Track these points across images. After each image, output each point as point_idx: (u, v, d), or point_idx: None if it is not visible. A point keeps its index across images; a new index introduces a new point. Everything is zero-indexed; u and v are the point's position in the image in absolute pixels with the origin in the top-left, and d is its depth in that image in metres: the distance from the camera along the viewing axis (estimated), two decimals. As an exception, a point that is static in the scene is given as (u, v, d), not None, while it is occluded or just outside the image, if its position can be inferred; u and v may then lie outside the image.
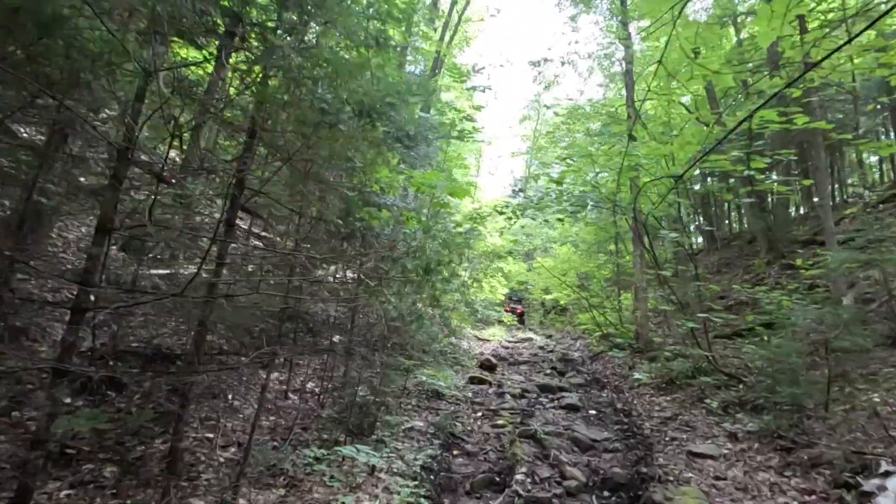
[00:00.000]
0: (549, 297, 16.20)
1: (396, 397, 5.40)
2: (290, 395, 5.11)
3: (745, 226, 19.29)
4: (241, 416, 4.19)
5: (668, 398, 6.47)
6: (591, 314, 12.27)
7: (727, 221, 21.08)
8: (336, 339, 6.88)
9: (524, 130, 36.47)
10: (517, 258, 17.53)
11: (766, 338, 6.79)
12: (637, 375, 7.60)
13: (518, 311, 17.76)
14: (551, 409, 6.30)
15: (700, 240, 20.46)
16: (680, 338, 9.57)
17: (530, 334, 15.97)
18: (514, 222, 7.29)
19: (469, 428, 5.23)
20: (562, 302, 15.82)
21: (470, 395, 6.74)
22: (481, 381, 7.78)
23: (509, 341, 14.29)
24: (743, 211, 20.42)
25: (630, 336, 10.63)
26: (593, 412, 6.17)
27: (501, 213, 5.99)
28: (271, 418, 4.27)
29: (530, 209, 6.39)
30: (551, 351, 12.51)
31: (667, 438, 4.81)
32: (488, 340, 14.23)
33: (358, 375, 4.88)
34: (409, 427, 4.71)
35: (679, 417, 5.48)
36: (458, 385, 7.21)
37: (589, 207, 9.47)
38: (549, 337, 15.79)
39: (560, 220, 7.87)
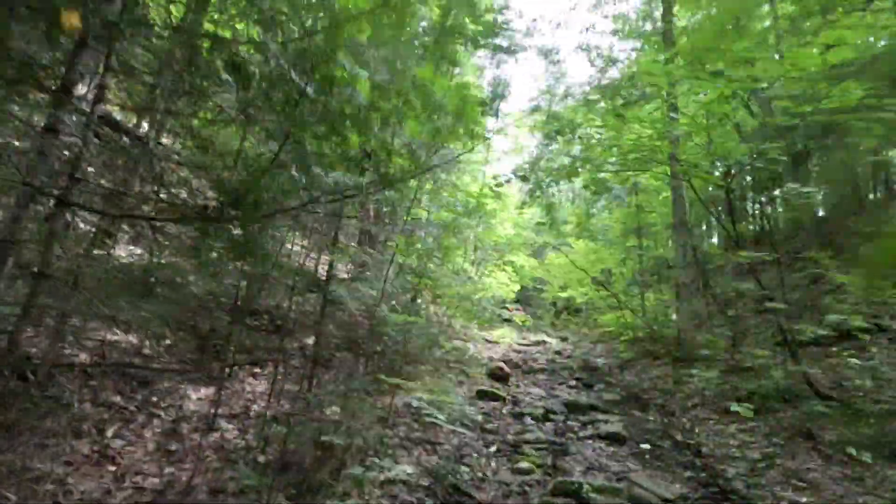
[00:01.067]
0: (563, 295, 14.61)
1: (374, 426, 3.84)
2: (223, 421, 3.57)
3: (767, 223, 17.59)
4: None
5: (742, 427, 4.87)
6: (619, 315, 10.66)
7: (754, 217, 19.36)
8: (311, 340, 5.36)
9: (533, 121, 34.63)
10: (528, 253, 15.91)
11: (872, 348, 5.18)
12: (700, 390, 6.01)
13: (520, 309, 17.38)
14: (588, 442, 4.71)
15: (714, 239, 18.82)
16: (730, 344, 7.97)
17: (543, 336, 14.36)
18: (535, 199, 5.84)
19: (480, 474, 3.66)
20: (577, 301, 14.22)
21: (480, 417, 5.16)
22: (493, 397, 6.21)
23: (521, 344, 12.70)
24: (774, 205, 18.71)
25: (663, 340, 9.03)
26: (646, 446, 4.58)
27: (524, 180, 4.54)
28: (167, 470, 2.72)
29: (553, 178, 4.88)
30: (569, 356, 10.92)
31: (776, 502, 3.22)
32: (497, 343, 12.66)
33: (318, 400, 3.35)
34: (390, 478, 3.15)
35: (777, 461, 3.88)
36: (463, 402, 5.65)
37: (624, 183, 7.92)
38: (565, 340, 14.18)
39: (594, 191, 6.40)
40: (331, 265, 4.54)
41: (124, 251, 4.59)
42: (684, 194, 8.37)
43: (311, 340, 5.34)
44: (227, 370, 4.41)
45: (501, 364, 8.14)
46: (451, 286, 9.94)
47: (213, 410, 3.50)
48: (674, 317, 11.45)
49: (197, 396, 3.83)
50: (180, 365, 3.80)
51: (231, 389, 4.36)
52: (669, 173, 8.04)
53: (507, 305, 16.60)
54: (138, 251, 4.65)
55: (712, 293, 9.24)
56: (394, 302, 6.08)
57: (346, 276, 6.41)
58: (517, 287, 13.24)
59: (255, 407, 3.93)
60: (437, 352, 6.26)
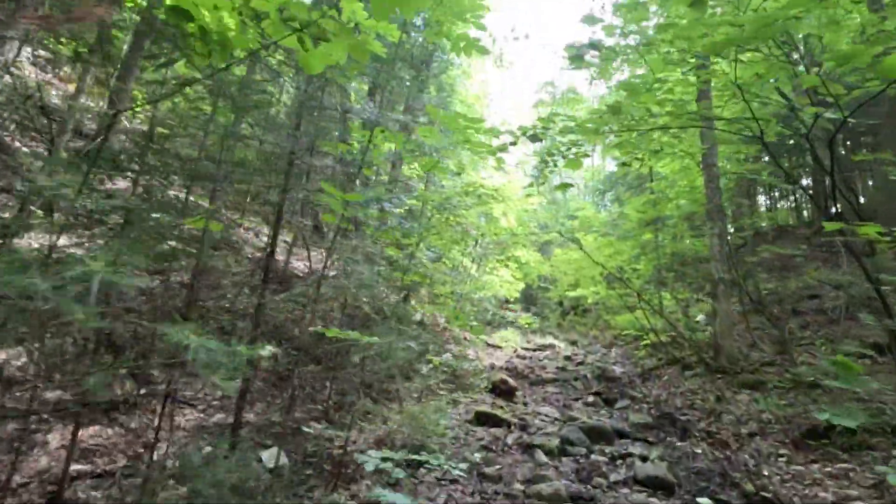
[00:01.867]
0: (572, 294, 13.37)
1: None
2: (80, 487, 2.36)
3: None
4: None
5: (830, 469, 3.63)
6: (637, 315, 9.41)
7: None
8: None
9: (538, 115, 33.63)
10: (534, 249, 14.64)
11: None
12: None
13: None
14: (624, 491, 3.48)
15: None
16: (778, 351, 6.72)
17: (550, 339, 13.12)
18: (545, 173, 4.67)
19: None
20: (588, 300, 12.99)
21: (477, 455, 3.93)
22: (495, 421, 4.98)
23: (526, 349, 11.47)
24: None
25: (694, 345, 7.78)
26: (705, 501, 3.34)
27: (534, 139, 3.39)
28: None
29: (576, 134, 3.68)
30: (582, 363, 9.67)
31: None
32: (500, 347, 11.43)
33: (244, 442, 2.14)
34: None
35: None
36: (457, 431, 4.43)
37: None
38: (574, 343, 12.93)
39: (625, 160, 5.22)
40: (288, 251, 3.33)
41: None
42: (718, 174, 7.12)
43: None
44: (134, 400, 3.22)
45: (505, 376, 6.90)
46: (447, 284, 8.72)
47: (65, 468, 2.29)
48: (699, 317, 10.21)
49: (61, 444, 2.62)
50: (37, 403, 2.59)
51: (142, 425, 3.16)
52: (702, 146, 6.81)
53: (511, 306, 15.40)
54: None
55: (749, 292, 8.00)
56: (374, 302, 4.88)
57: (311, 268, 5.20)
58: (521, 285, 11.99)
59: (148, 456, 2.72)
60: (425, 367, 5.04)
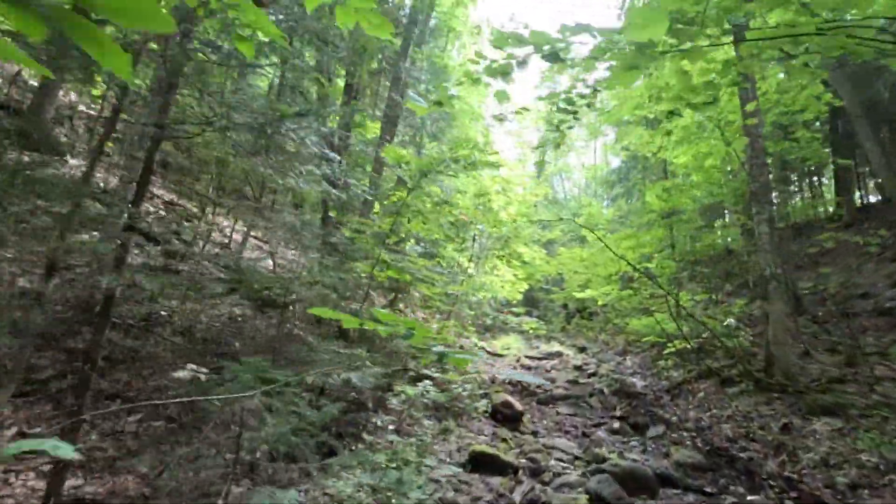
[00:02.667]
0: (580, 295, 12.14)
1: None
2: None
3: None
4: None
5: None
6: (658, 319, 8.16)
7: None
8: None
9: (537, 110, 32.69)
10: (539, 245, 13.40)
11: None
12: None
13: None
14: None
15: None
16: (844, 363, 5.48)
17: (556, 346, 11.86)
18: (564, 135, 3.57)
19: None
20: (599, 302, 11.75)
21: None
22: (496, 465, 3.73)
23: (531, 357, 10.22)
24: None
25: (735, 355, 6.54)
26: None
27: (554, 59, 2.32)
28: None
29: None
30: (595, 373, 8.42)
31: None
32: (502, 356, 10.18)
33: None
34: None
35: None
36: (443, 488, 3.17)
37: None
38: (583, 350, 11.67)
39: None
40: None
41: None
42: (763, 146, 5.89)
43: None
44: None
45: (508, 397, 5.64)
46: (440, 283, 7.47)
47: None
48: (729, 321, 8.97)
49: None
50: None
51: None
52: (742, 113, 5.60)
53: (513, 309, 14.15)
54: None
55: (794, 291, 6.79)
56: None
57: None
58: (524, 286, 10.73)
59: None
60: (394, 400, 3.77)
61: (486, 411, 5.19)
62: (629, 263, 6.87)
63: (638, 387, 7.14)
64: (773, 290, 5.46)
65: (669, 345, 7.68)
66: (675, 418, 5.44)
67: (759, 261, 5.68)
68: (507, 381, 7.40)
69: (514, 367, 8.93)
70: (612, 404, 6.46)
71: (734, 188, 9.46)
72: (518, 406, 5.42)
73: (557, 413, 5.94)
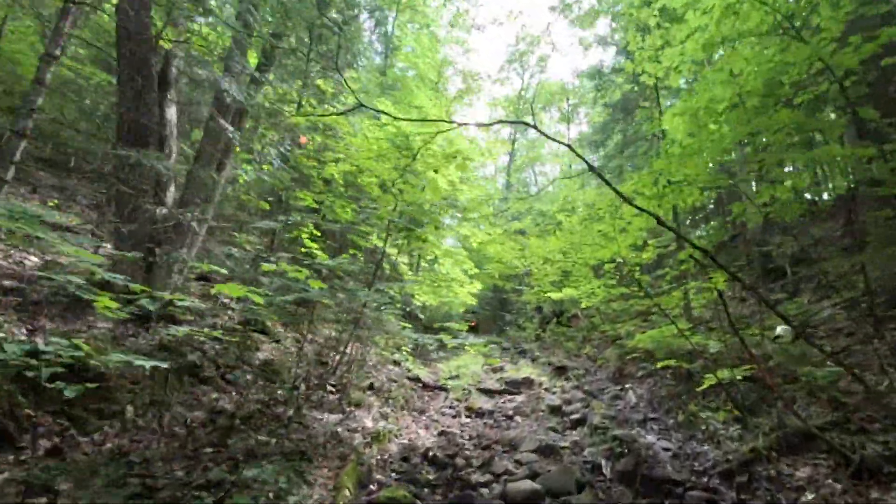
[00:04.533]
0: (557, 296, 9.01)
1: None
2: None
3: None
4: None
5: None
6: (672, 331, 5.01)
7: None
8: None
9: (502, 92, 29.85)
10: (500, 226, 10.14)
11: None
12: None
13: (472, 322, 14.49)
14: None
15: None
16: None
17: (525, 366, 8.64)
18: None
19: None
20: (583, 304, 8.65)
21: None
22: None
23: (489, 390, 6.96)
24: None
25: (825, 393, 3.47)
26: None
27: None
28: None
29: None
30: (581, 422, 5.24)
31: None
32: (446, 389, 6.90)
33: None
34: None
35: None
36: None
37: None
38: (562, 372, 8.48)
39: None
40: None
41: None
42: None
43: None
44: None
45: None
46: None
47: None
48: (778, 330, 5.92)
49: None
50: None
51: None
52: None
53: (449, 323, 10.82)
54: None
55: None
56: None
57: None
58: (475, 287, 7.47)
59: None
60: None
61: None
62: (653, 216, 3.63)
63: (664, 460, 3.94)
64: None
65: (708, 376, 4.51)
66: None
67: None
68: (430, 451, 4.11)
69: (455, 415, 5.65)
70: (623, 511, 3.26)
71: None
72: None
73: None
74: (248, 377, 4.38)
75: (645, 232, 5.24)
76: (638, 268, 5.38)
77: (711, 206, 12.39)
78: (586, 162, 3.70)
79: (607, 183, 3.45)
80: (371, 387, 5.54)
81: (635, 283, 5.08)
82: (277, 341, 5.24)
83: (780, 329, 5.86)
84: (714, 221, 11.64)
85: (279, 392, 4.38)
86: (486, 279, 13.42)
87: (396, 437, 4.47)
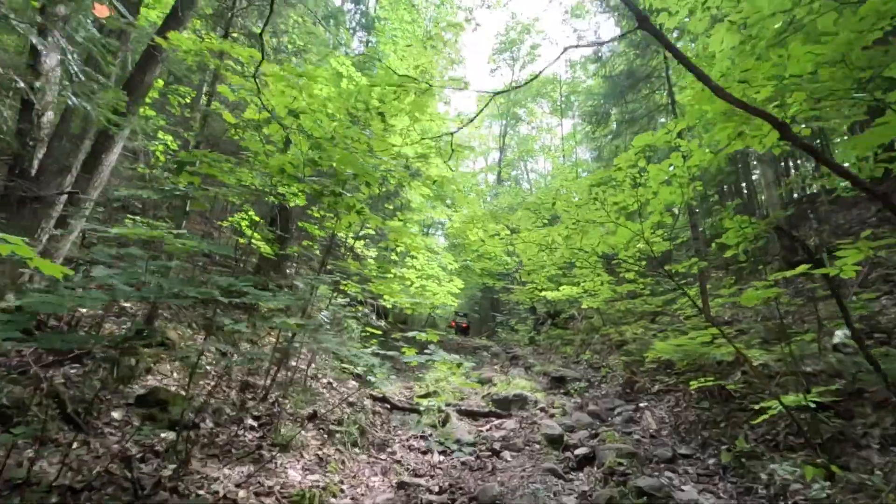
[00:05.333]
0: (553, 295, 7.74)
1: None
2: None
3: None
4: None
5: None
6: (712, 342, 3.76)
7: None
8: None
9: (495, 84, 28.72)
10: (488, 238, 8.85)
11: None
12: None
13: (464, 325, 13.96)
14: None
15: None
16: None
17: (518, 379, 7.34)
18: None
19: None
20: (583, 304, 7.37)
21: None
22: None
23: (471, 413, 5.65)
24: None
25: None
26: None
27: None
28: None
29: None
30: (590, 459, 3.97)
31: None
32: (416, 412, 5.57)
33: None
34: None
35: None
36: None
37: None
38: (560, 385, 7.20)
39: None
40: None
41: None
42: None
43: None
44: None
45: None
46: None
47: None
48: (838, 336, 4.67)
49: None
50: None
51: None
52: None
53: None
54: None
55: None
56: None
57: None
58: (455, 287, 6.17)
59: None
60: None
61: None
62: (779, 126, 2.28)
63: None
64: None
65: (770, 403, 3.23)
66: None
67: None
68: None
69: (426, 451, 4.33)
70: None
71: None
72: None
73: None
74: (116, 415, 3.04)
75: (665, 211, 3.98)
76: (659, 254, 4.13)
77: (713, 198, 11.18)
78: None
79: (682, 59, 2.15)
80: (314, 416, 4.21)
81: (664, 274, 3.81)
82: (183, 358, 3.90)
83: (839, 335, 4.62)
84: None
85: (164, 436, 3.05)
86: (473, 278, 12.12)
87: (334, 497, 3.15)
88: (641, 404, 5.49)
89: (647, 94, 8.44)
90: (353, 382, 6.16)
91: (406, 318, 10.28)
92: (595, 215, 3.36)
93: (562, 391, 6.88)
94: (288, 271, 8.39)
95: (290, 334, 4.21)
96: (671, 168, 3.17)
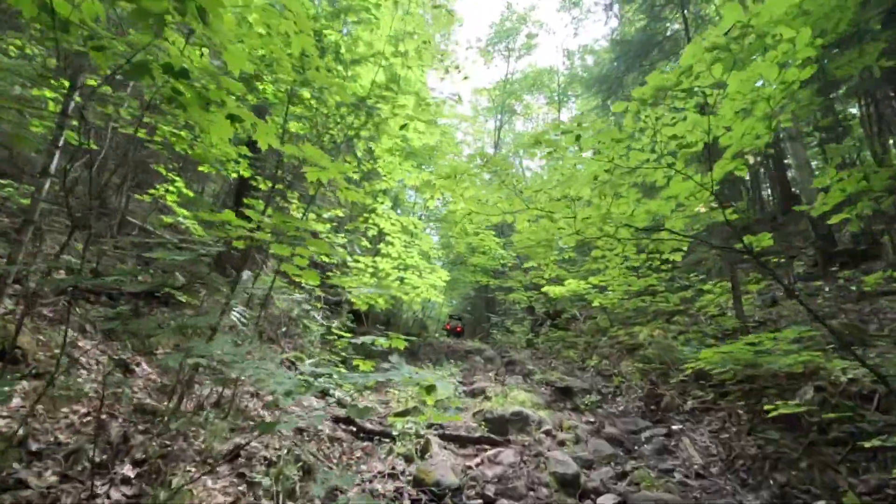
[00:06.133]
0: (557, 291, 6.59)
1: None
2: None
3: None
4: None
5: None
6: (808, 353, 2.64)
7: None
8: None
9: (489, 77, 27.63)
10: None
11: None
12: None
13: (458, 328, 13.83)
14: None
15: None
16: None
17: (516, 391, 6.16)
18: None
19: None
20: (594, 301, 6.22)
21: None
22: None
23: (458, 437, 4.45)
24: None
25: None
26: None
27: None
28: None
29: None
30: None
31: None
32: (388, 436, 4.37)
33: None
34: None
35: None
36: None
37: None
38: (566, 398, 6.04)
39: None
40: None
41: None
42: None
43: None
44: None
45: None
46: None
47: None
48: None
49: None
50: None
51: None
52: None
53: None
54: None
55: None
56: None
57: None
58: (439, 278, 5.00)
59: None
60: None
61: None
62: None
63: None
64: None
65: (886, 440, 2.10)
66: None
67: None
68: None
69: (395, 499, 3.15)
70: None
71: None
72: None
73: None
74: None
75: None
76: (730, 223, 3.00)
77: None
78: None
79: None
80: (235, 453, 3.00)
81: (741, 250, 2.67)
82: (37, 376, 2.69)
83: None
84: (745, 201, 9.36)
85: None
86: (466, 276, 10.94)
87: None
88: (674, 426, 4.33)
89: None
90: (315, 400, 4.96)
91: (389, 319, 9.09)
92: (641, 157, 2.19)
93: (569, 406, 5.72)
94: (259, 259, 7.16)
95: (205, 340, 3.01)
96: (759, 84, 2.02)
